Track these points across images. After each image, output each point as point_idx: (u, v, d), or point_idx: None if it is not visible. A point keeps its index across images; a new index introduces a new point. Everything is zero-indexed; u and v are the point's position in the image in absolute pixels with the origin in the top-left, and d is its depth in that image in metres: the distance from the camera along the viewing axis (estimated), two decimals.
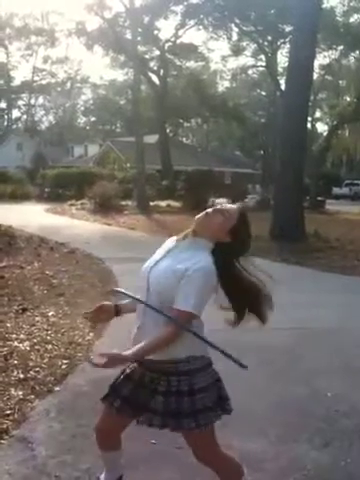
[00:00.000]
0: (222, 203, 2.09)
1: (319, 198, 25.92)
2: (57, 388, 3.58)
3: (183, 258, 1.99)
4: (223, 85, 53.55)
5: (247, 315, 2.07)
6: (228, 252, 2.04)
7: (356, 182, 41.26)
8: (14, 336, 4.58)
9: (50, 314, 5.36)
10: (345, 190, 40.49)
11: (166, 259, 2.05)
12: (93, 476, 2.48)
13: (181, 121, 53.09)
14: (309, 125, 31.72)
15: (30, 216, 17.27)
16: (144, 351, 1.93)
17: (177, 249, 2.06)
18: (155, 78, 35.09)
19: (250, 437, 2.95)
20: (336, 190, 39.14)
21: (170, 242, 2.16)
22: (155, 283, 2.01)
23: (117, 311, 2.28)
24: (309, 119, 30.01)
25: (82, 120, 70.13)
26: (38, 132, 59.23)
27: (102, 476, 2.39)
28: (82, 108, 68.38)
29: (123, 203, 21.23)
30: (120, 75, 55.06)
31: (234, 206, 2.10)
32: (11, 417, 3.09)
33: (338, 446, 2.92)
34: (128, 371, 2.16)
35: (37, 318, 5.20)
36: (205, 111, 42.52)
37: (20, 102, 64.91)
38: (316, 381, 3.87)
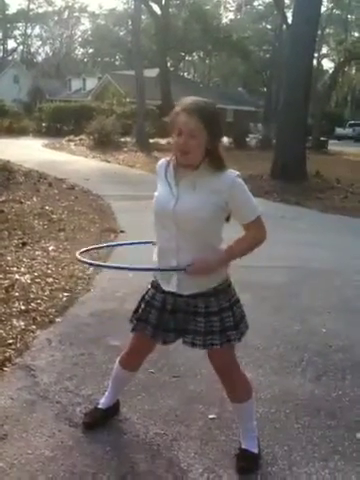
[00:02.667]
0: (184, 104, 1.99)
1: (322, 138, 25.49)
2: (58, 319, 3.65)
3: (208, 185, 1.99)
4: (227, 17, 51.54)
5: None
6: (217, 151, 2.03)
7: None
8: (15, 269, 4.62)
9: (50, 248, 5.39)
10: (348, 131, 39.78)
11: (188, 194, 2.01)
12: (94, 402, 2.57)
13: (183, 54, 51.20)
14: (315, 62, 30.64)
15: (28, 151, 17.02)
16: (232, 257, 2.06)
17: (189, 181, 2.02)
18: (156, 7, 33.44)
19: (245, 368, 3.03)
20: (339, 130, 38.46)
21: (163, 168, 2.12)
22: (189, 220, 1.99)
23: None
24: (315, 55, 28.96)
25: (80, 52, 67.71)
26: (35, 64, 57.36)
27: (101, 400, 2.50)
28: (80, 39, 65.79)
29: (122, 140, 20.87)
30: (120, 4, 53.02)
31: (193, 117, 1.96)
32: (13, 346, 3.17)
33: (331, 379, 3.02)
34: (147, 299, 2.22)
35: (37, 252, 5.23)
36: (208, 44, 41.03)
37: (16, 32, 62.55)
38: (311, 318, 3.95)
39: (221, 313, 2.10)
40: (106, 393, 2.50)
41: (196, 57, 58.43)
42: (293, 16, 13.85)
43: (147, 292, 2.25)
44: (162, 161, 2.17)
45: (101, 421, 2.44)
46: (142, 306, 2.24)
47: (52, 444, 2.29)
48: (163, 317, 2.17)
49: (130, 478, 2.12)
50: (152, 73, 35.09)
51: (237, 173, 2.02)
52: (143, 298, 2.26)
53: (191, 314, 2.12)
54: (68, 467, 2.15)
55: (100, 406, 2.49)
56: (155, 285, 2.20)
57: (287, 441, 2.41)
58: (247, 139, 23.76)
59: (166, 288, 2.13)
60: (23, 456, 2.19)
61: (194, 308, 2.11)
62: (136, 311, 2.26)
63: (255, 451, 2.24)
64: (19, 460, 2.17)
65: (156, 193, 2.12)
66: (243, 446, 2.26)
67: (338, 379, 3.02)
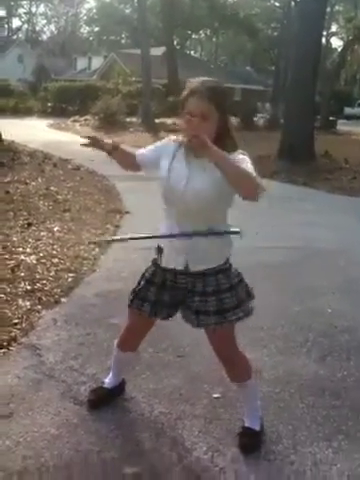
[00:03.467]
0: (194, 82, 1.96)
1: (330, 118, 25.16)
2: (64, 299, 3.67)
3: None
4: None
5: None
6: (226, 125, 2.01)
7: None
8: (20, 250, 4.63)
9: (55, 229, 5.39)
10: (358, 110, 39.24)
11: (199, 175, 1.99)
12: (98, 381, 2.59)
13: (189, 32, 50.45)
14: (324, 39, 30.07)
15: (33, 131, 16.97)
16: (225, 161, 1.84)
17: (200, 162, 1.98)
18: None
19: (250, 348, 3.03)
20: (348, 110, 37.93)
21: (173, 147, 2.08)
22: (198, 200, 1.98)
23: (114, 148, 2.15)
24: (324, 33, 28.42)
25: (85, 30, 66.75)
26: (40, 43, 56.74)
27: (107, 379, 2.51)
28: (85, 17, 64.88)
29: (128, 120, 20.72)
30: None
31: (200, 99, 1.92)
32: (19, 326, 3.19)
33: (336, 359, 3.02)
34: (147, 276, 2.23)
35: (43, 233, 5.23)
36: (215, 21, 40.37)
37: (20, 10, 61.72)
38: (316, 298, 3.94)
39: (219, 294, 2.08)
40: (110, 373, 2.52)
41: (203, 35, 57.57)
42: None
43: (147, 270, 2.25)
44: (168, 140, 2.14)
45: (105, 400, 2.46)
46: (142, 283, 2.24)
47: (57, 422, 2.31)
48: (162, 294, 2.18)
49: (134, 456, 2.14)
50: (158, 52, 34.65)
51: (245, 153, 1.98)
52: (143, 276, 2.26)
53: (189, 292, 2.13)
54: (73, 445, 2.17)
55: (105, 385, 2.50)
56: (156, 262, 2.20)
57: (291, 420, 2.42)
58: (255, 119, 23.48)
59: (172, 265, 2.12)
60: (29, 434, 2.22)
61: (192, 287, 2.11)
62: (135, 288, 2.27)
63: (257, 428, 2.26)
64: (25, 438, 2.19)
65: (162, 172, 2.07)
66: (246, 424, 2.28)
67: (343, 359, 3.01)
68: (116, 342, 2.42)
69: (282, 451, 2.21)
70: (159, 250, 2.15)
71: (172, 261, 2.11)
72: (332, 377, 2.82)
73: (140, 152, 2.20)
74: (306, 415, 2.47)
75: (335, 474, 2.09)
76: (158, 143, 2.18)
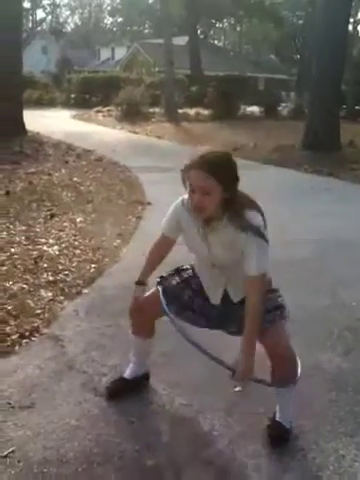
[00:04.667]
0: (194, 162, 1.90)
1: (357, 107, 24.66)
2: (86, 290, 3.68)
3: (234, 242, 1.99)
4: None
5: None
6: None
7: None
8: (43, 240, 4.66)
9: (78, 220, 5.41)
10: None
11: (218, 248, 2.05)
12: (120, 372, 2.58)
13: (213, 21, 49.95)
14: (350, 27, 29.44)
15: (57, 122, 17.07)
16: (252, 348, 2.03)
17: (217, 238, 2.03)
18: None
19: None
20: None
21: (184, 212, 2.09)
22: (225, 262, 2.10)
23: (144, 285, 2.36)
24: (351, 20, 27.81)
25: (109, 21, 66.85)
26: (63, 34, 56.87)
27: (127, 371, 2.51)
28: (109, 8, 64.88)
29: (150, 110, 20.68)
30: None
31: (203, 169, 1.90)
32: (41, 316, 3.21)
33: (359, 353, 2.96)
34: (185, 276, 2.30)
35: (65, 224, 5.26)
36: (239, 10, 39.84)
37: (44, 1, 62.14)
38: (341, 291, 3.87)
39: None
40: (130, 364, 2.52)
41: (227, 24, 56.98)
42: None
43: (186, 270, 2.32)
44: (178, 207, 2.13)
45: (125, 391, 2.45)
46: (177, 279, 2.29)
47: (78, 413, 2.32)
48: (193, 300, 2.26)
49: (155, 448, 2.13)
50: (182, 41, 34.46)
51: (260, 219, 1.97)
52: (179, 271, 2.33)
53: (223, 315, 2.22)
54: (93, 436, 2.17)
55: (125, 375, 2.50)
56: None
57: (314, 415, 2.38)
58: (279, 108, 23.19)
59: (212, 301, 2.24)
60: (49, 425, 2.23)
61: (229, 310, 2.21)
62: (167, 277, 2.31)
63: (287, 426, 2.23)
64: (45, 428, 2.20)
65: (184, 238, 2.18)
66: (277, 418, 2.24)
67: None
68: (130, 331, 2.45)
69: (304, 446, 2.18)
70: None
71: (212, 297, 2.24)
72: (356, 372, 2.77)
73: (164, 228, 2.24)
74: (329, 410, 2.43)
75: (358, 470, 2.05)
76: (170, 210, 2.18)
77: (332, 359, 2.89)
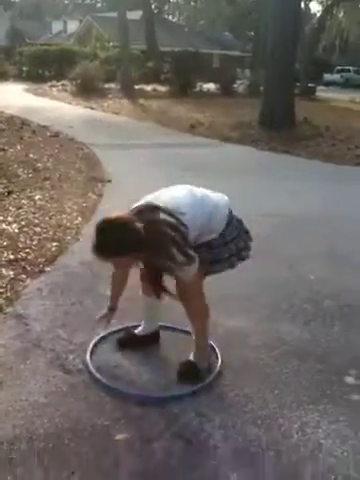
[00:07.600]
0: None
1: (310, 84, 25.00)
2: (48, 269, 3.63)
3: None
4: None
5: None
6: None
7: (348, 68, 39.70)
8: (1, 218, 4.55)
9: (37, 197, 5.30)
10: (336, 77, 39.09)
11: None
12: (87, 350, 2.59)
13: None
14: (302, 4, 29.52)
15: (9, 97, 16.50)
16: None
17: None
18: None
19: (235, 316, 3.07)
20: (327, 76, 37.73)
21: None
22: None
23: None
24: None
25: None
26: (12, 4, 54.58)
27: (140, 327, 2.68)
28: None
29: (106, 86, 20.28)
30: None
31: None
32: (4, 295, 3.15)
33: (320, 324, 3.07)
34: None
35: (23, 201, 5.14)
36: None
37: None
38: (299, 266, 3.97)
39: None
40: (142, 322, 2.69)
41: None
42: None
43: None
44: None
45: (135, 345, 2.64)
46: None
47: (46, 390, 2.31)
48: None
49: (124, 422, 2.16)
50: (136, 16, 33.70)
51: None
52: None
53: None
54: (63, 412, 2.18)
55: (137, 332, 2.68)
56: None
57: (277, 385, 2.46)
58: (234, 85, 23.18)
59: None
60: (18, 403, 2.22)
61: None
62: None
63: (199, 366, 2.45)
64: (14, 407, 2.19)
65: None
66: (190, 358, 2.48)
67: (327, 325, 3.06)
68: (141, 291, 2.59)
69: (269, 415, 2.25)
70: None
71: None
72: (316, 342, 2.87)
73: None
74: (292, 380, 2.52)
75: (321, 436, 2.14)
76: None
77: (293, 330, 2.99)
